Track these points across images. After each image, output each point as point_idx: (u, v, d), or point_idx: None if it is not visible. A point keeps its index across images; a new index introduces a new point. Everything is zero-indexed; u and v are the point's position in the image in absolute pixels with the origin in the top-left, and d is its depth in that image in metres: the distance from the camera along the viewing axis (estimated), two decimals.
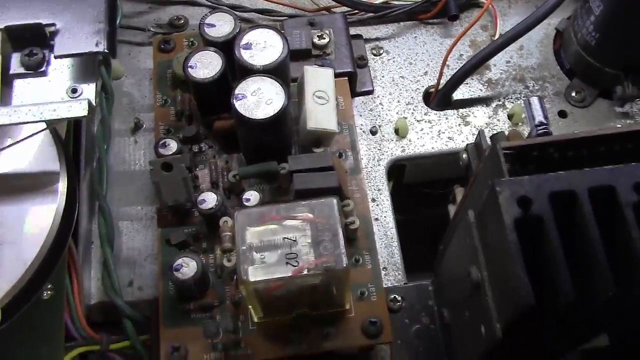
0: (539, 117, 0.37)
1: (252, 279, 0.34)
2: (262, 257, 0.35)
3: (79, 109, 0.33)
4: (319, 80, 0.43)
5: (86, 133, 0.49)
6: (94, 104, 0.35)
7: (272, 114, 0.39)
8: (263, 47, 0.42)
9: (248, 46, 0.42)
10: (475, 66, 0.48)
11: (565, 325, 0.30)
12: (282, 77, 0.42)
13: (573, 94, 0.51)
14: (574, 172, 0.29)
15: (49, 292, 0.40)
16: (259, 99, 0.40)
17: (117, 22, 0.49)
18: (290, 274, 0.34)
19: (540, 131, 0.37)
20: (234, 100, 0.40)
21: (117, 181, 0.48)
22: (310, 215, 0.36)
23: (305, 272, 0.34)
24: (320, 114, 0.42)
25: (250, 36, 0.42)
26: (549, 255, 0.28)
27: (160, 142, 0.44)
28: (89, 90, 0.35)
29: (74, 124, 0.48)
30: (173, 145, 0.43)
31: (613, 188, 0.28)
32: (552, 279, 0.28)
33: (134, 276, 0.45)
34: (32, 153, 0.36)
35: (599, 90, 0.50)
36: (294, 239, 0.35)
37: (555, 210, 0.28)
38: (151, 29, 0.53)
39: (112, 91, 0.50)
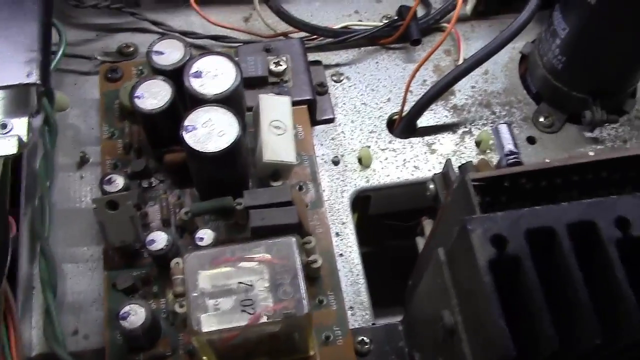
0: (508, 145, 0.35)
1: (204, 329, 0.31)
2: (216, 303, 0.32)
3: (8, 147, 0.30)
4: (275, 109, 0.41)
5: (27, 169, 0.46)
6: (25, 141, 0.32)
7: (224, 146, 0.37)
8: (214, 75, 0.39)
9: (198, 74, 0.39)
10: (439, 92, 0.47)
11: None
12: (236, 107, 0.39)
13: (541, 119, 0.49)
14: (551, 207, 0.27)
15: None
16: (210, 131, 0.37)
17: (61, 50, 0.46)
18: (246, 323, 0.31)
19: (511, 160, 0.35)
20: (184, 132, 0.37)
21: (61, 220, 0.44)
22: (268, 256, 0.33)
23: (264, 319, 0.31)
24: (277, 145, 0.39)
25: (201, 64, 0.39)
26: (528, 299, 0.25)
27: (106, 179, 0.40)
28: (20, 126, 0.32)
29: (12, 160, 0.44)
30: (119, 182, 0.40)
31: (593, 223, 0.26)
32: (533, 326, 0.25)
33: (79, 324, 0.41)
34: None
35: (567, 115, 0.49)
36: (250, 283, 0.32)
37: (532, 248, 0.26)
38: (98, 58, 0.50)
39: (55, 124, 0.46)
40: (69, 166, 0.47)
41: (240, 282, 0.32)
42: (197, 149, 0.37)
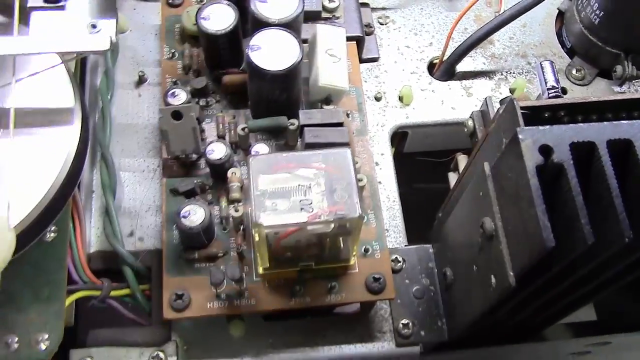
0: (551, 81, 0.38)
1: (265, 223, 0.34)
2: (274, 204, 0.35)
3: (101, 43, 0.33)
4: (331, 38, 0.43)
5: (90, 85, 0.49)
6: (114, 40, 0.34)
7: (286, 66, 0.40)
8: (278, 1, 0.42)
9: (264, 0, 0.42)
10: (479, 39, 0.49)
11: (577, 278, 0.31)
12: (298, 33, 0.42)
13: (574, 72, 0.52)
14: (594, 125, 0.30)
15: (53, 234, 0.40)
16: (273, 51, 0.40)
17: None
18: (304, 220, 0.35)
19: (552, 94, 0.38)
20: (249, 51, 0.40)
21: (119, 133, 0.48)
22: (324, 165, 0.36)
23: (320, 218, 0.35)
24: (332, 71, 0.42)
25: None
26: (569, 201, 0.28)
27: (170, 92, 0.43)
28: (108, 27, 0.35)
29: (79, 73, 0.47)
30: (182, 96, 0.43)
31: (630, 141, 0.29)
32: (571, 225, 0.28)
33: (135, 227, 0.45)
34: (47, 89, 0.35)
35: (599, 70, 0.51)
36: (308, 187, 0.35)
37: (575, 158, 0.29)
38: None
39: (116, 43, 0.49)
40: (127, 84, 0.50)
41: (299, 185, 0.35)
42: (261, 67, 0.40)
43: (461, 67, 0.52)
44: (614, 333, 0.46)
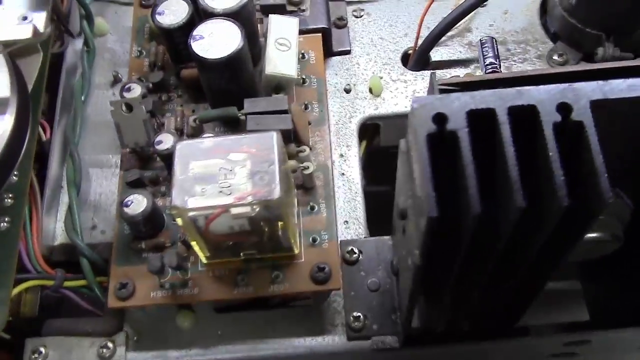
0: (489, 57, 0.36)
1: (184, 206, 0.34)
2: (201, 189, 0.35)
3: (23, 32, 0.34)
4: (282, 28, 0.43)
5: (65, 84, 0.51)
6: (41, 31, 0.36)
7: (227, 54, 0.40)
8: None
9: None
10: (451, 23, 0.48)
11: (479, 248, 0.29)
12: (246, 25, 0.42)
13: (555, 57, 0.49)
14: (497, 91, 0.28)
15: (6, 224, 0.41)
16: (215, 41, 0.40)
17: None
18: (223, 203, 0.34)
19: (489, 70, 0.36)
20: (191, 41, 0.40)
21: (92, 131, 0.49)
22: (252, 149, 0.36)
23: (239, 201, 0.34)
24: (279, 60, 0.42)
25: None
26: (461, 169, 0.27)
27: (126, 86, 0.44)
28: (38, 18, 0.36)
29: (53, 75, 0.49)
30: (137, 90, 0.44)
31: (534, 108, 0.27)
32: (463, 195, 0.27)
33: (98, 220, 0.46)
34: None
35: (582, 54, 0.49)
36: (231, 170, 0.35)
37: (473, 128, 0.27)
38: None
39: (93, 46, 0.51)
40: (103, 85, 0.51)
41: (223, 169, 0.35)
42: (202, 55, 0.40)
43: (437, 56, 0.50)
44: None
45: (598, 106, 0.27)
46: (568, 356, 0.48)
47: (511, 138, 0.27)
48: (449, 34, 0.50)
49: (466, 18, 0.50)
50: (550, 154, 0.26)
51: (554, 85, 0.28)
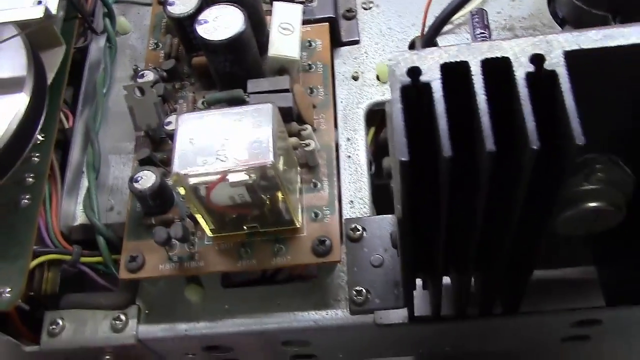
0: (479, 28, 0.37)
1: (184, 172, 0.36)
2: (201, 159, 0.37)
3: (35, 12, 0.37)
4: (286, 13, 0.45)
5: (88, 78, 0.54)
6: (53, 13, 0.38)
7: (228, 36, 0.41)
8: None
9: None
10: (456, 8, 0.48)
11: (459, 201, 0.29)
12: (251, 11, 0.44)
13: None
14: (470, 45, 0.29)
15: (27, 201, 0.43)
16: (219, 24, 0.42)
17: None
18: (220, 169, 0.36)
19: (479, 40, 0.37)
20: (196, 25, 0.42)
21: (113, 121, 0.51)
22: (249, 120, 0.37)
23: (235, 167, 0.36)
24: (282, 43, 0.44)
25: None
26: (434, 119, 0.28)
27: (140, 73, 0.46)
28: (51, 1, 0.39)
29: (77, 70, 0.52)
30: (150, 76, 0.46)
31: (507, 59, 0.28)
32: (437, 141, 0.27)
33: (115, 202, 0.47)
34: (4, 58, 0.39)
35: None
36: (229, 141, 0.37)
37: (446, 80, 0.28)
38: None
39: (115, 43, 0.54)
40: (124, 79, 0.53)
41: (220, 139, 0.37)
42: (206, 37, 0.42)
43: (444, 43, 0.51)
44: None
45: (573, 56, 0.28)
46: (579, 340, 0.47)
47: (483, 88, 0.27)
48: (457, 22, 0.51)
49: (474, 5, 0.50)
50: (522, 101, 0.27)
51: (527, 37, 0.28)
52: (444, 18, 0.49)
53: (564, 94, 0.27)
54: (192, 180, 0.36)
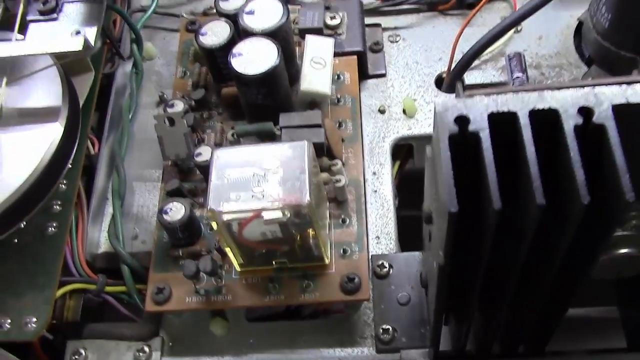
0: (516, 71, 0.37)
1: (219, 209, 0.36)
2: (236, 195, 0.37)
3: (74, 44, 0.37)
4: (318, 47, 0.45)
5: (114, 103, 0.54)
6: (92, 45, 0.38)
7: (262, 70, 0.42)
8: (265, 14, 0.44)
9: (251, 12, 0.45)
10: (484, 46, 0.49)
11: (502, 250, 0.29)
12: (283, 44, 0.44)
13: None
14: (518, 95, 0.29)
15: (54, 229, 0.43)
16: (253, 58, 0.42)
17: (152, 7, 0.54)
18: (255, 207, 0.36)
19: (517, 84, 0.37)
20: (231, 58, 0.43)
21: (138, 147, 0.51)
22: (284, 157, 0.37)
23: (271, 205, 0.36)
24: (314, 77, 0.44)
25: (255, 4, 0.45)
26: (483, 170, 0.28)
27: (169, 103, 0.46)
28: (90, 32, 0.39)
29: (103, 95, 0.52)
30: (179, 106, 0.46)
31: (556, 111, 0.28)
32: (484, 193, 0.27)
33: (139, 230, 0.47)
34: (41, 89, 0.39)
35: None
36: (265, 178, 0.37)
37: (495, 130, 0.28)
38: (185, 16, 0.57)
39: (141, 69, 0.54)
40: (149, 105, 0.54)
41: (257, 176, 0.37)
42: (240, 71, 0.42)
43: (471, 79, 0.51)
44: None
45: (620, 110, 0.28)
46: None
47: (532, 139, 0.27)
48: (483, 58, 0.51)
49: (500, 43, 0.51)
50: (571, 153, 0.27)
51: (575, 89, 0.28)
52: (473, 55, 0.49)
53: (614, 149, 0.27)
54: (227, 217, 0.36)
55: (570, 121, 0.28)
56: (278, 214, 0.36)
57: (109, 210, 0.49)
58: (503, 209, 0.26)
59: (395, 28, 0.55)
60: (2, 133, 0.38)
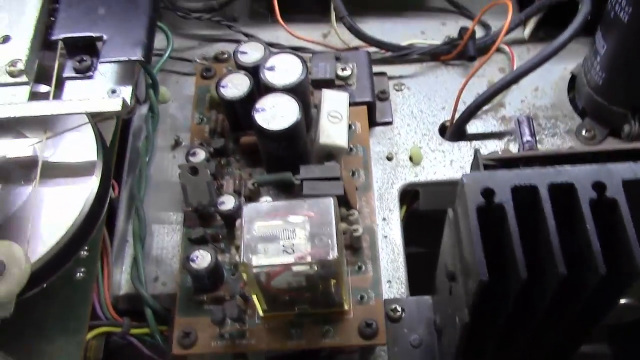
0: (526, 135, 0.40)
1: (251, 263, 0.38)
2: (265, 248, 0.39)
3: (114, 105, 0.39)
4: (334, 101, 0.48)
5: (131, 147, 0.55)
6: (129, 103, 0.40)
7: (285, 126, 0.44)
8: (285, 70, 0.47)
9: (272, 68, 0.47)
10: (487, 99, 0.52)
11: (522, 310, 0.32)
12: (301, 98, 0.46)
13: (583, 133, 0.53)
14: (538, 170, 0.32)
15: (82, 274, 0.45)
16: (276, 113, 0.45)
17: (167, 52, 0.56)
18: (286, 262, 0.38)
19: (527, 148, 0.40)
20: (254, 113, 0.45)
21: (155, 189, 0.53)
22: (311, 213, 0.40)
23: (300, 260, 0.38)
24: (332, 131, 0.46)
25: (275, 60, 0.47)
26: (507, 240, 0.30)
27: (191, 152, 0.49)
28: (125, 92, 0.41)
29: (121, 138, 0.54)
30: (201, 155, 0.48)
31: (572, 185, 0.31)
32: (509, 262, 0.30)
33: (160, 272, 0.49)
34: (76, 143, 0.41)
35: (609, 129, 0.53)
36: (293, 232, 0.39)
37: (516, 201, 0.31)
38: (197, 61, 0.59)
39: (157, 112, 0.56)
40: (165, 148, 0.56)
41: (286, 230, 0.39)
42: (264, 127, 0.44)
43: (472, 129, 0.55)
44: None
45: (630, 185, 0.31)
46: None
47: (552, 213, 0.30)
48: (484, 108, 0.55)
49: (501, 97, 0.54)
50: (588, 227, 0.30)
51: (588, 166, 0.32)
52: (475, 107, 0.53)
53: (625, 223, 0.30)
54: (257, 270, 0.38)
55: (585, 195, 0.31)
56: (306, 268, 0.38)
57: (129, 252, 0.50)
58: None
59: (400, 77, 0.58)
60: (42, 187, 0.39)
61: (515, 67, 0.57)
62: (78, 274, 0.45)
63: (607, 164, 0.32)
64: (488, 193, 0.31)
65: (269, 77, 0.47)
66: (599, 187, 0.31)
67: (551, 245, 0.30)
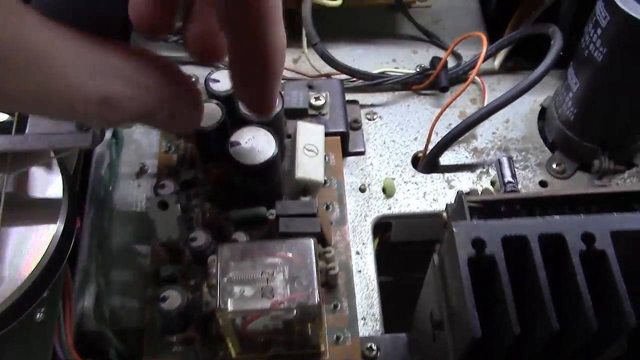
0: (507, 176, 0.40)
1: (229, 309, 0.36)
2: (242, 290, 0.37)
3: (83, 140, 0.37)
4: (310, 134, 0.47)
5: (94, 174, 0.53)
6: (98, 136, 0.38)
7: (262, 161, 0.43)
8: None
9: None
10: (460, 132, 0.52)
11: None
12: (277, 130, 0.45)
13: (554, 166, 0.53)
14: (527, 220, 0.31)
15: (42, 315, 0.42)
16: (251, 147, 0.43)
17: None
18: (266, 307, 0.36)
19: (509, 189, 0.40)
20: (229, 147, 0.43)
21: (118, 220, 0.51)
22: (289, 254, 0.38)
23: (280, 305, 0.37)
24: (308, 165, 0.45)
25: None
26: (499, 294, 0.30)
27: (160, 184, 0.47)
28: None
29: (83, 165, 0.52)
30: (171, 187, 0.46)
31: (562, 236, 0.31)
32: (501, 316, 0.30)
33: (125, 308, 0.47)
34: (40, 181, 0.39)
35: (579, 163, 0.53)
36: (272, 274, 0.38)
37: (506, 252, 0.31)
38: None
39: (121, 138, 0.54)
40: (129, 175, 0.53)
41: (264, 273, 0.38)
42: (239, 161, 0.43)
43: (444, 160, 0.54)
44: None
45: (617, 236, 0.31)
46: None
47: (543, 264, 0.30)
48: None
49: (475, 129, 0.54)
50: (579, 280, 0.30)
51: (576, 216, 0.31)
52: (449, 140, 0.52)
53: (615, 275, 0.30)
54: (233, 316, 0.37)
55: (575, 247, 0.30)
56: (287, 314, 0.37)
57: (92, 287, 0.48)
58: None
59: (372, 105, 0.57)
60: (4, 227, 0.37)
61: (486, 97, 0.57)
62: (38, 315, 0.42)
63: (594, 215, 0.32)
64: (478, 243, 0.31)
65: (245, 109, 0.45)
66: (587, 238, 0.31)
67: (543, 299, 0.29)
